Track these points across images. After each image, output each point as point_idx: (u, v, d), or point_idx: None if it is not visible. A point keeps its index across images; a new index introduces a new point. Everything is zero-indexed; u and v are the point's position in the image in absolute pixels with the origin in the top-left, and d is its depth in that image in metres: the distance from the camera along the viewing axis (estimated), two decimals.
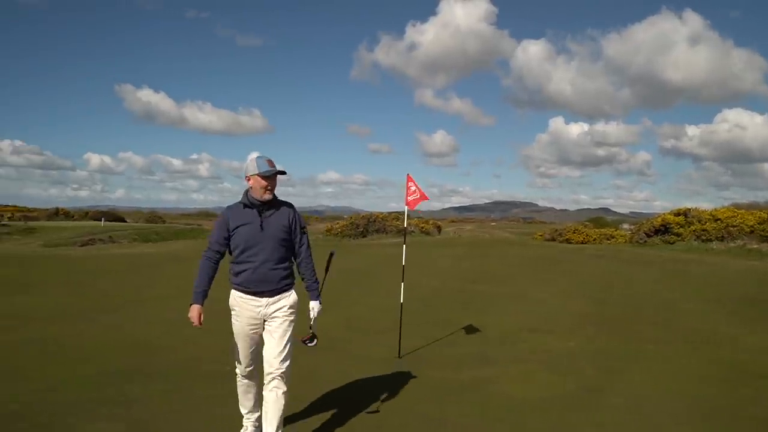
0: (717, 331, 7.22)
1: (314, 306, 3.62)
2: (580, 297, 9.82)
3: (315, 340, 3.64)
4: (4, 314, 7.96)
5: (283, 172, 3.44)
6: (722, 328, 7.44)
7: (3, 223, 32.56)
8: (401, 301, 6.18)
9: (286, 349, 3.44)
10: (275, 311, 3.45)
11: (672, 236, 20.69)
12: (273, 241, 3.42)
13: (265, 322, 3.47)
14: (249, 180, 3.43)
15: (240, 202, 3.50)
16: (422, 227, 29.92)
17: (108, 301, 9.28)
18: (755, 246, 17.99)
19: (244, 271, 3.42)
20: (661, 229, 21.23)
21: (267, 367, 3.41)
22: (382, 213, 28.54)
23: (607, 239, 24.39)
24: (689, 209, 21.33)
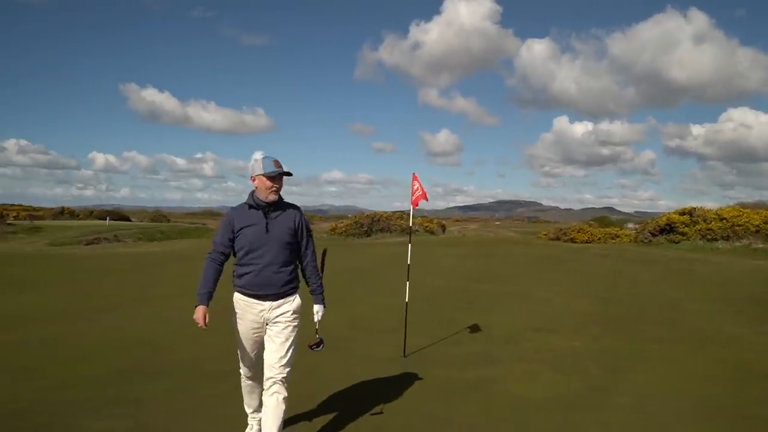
0: (722, 331, 7.19)
1: (318, 310, 3.56)
2: (585, 296, 9.80)
3: (322, 346, 3.57)
4: (7, 313, 8.00)
5: (288, 174, 3.37)
6: (727, 327, 7.41)
7: (9, 222, 32.69)
8: (407, 300, 6.16)
9: (288, 355, 3.36)
10: (278, 316, 3.37)
11: (677, 235, 20.63)
12: (278, 244, 3.34)
13: (267, 325, 3.39)
14: (254, 180, 3.35)
15: (245, 203, 3.42)
16: (426, 226, 29.91)
17: (112, 300, 9.30)
18: (761, 245, 17.93)
19: (247, 273, 3.35)
20: (666, 229, 21.18)
21: (267, 372, 3.33)
22: (386, 212, 28.57)
23: (612, 238, 24.36)
24: (694, 208, 21.26)
